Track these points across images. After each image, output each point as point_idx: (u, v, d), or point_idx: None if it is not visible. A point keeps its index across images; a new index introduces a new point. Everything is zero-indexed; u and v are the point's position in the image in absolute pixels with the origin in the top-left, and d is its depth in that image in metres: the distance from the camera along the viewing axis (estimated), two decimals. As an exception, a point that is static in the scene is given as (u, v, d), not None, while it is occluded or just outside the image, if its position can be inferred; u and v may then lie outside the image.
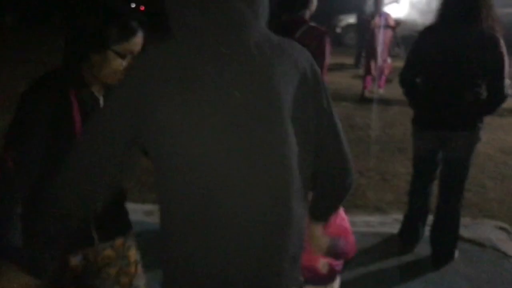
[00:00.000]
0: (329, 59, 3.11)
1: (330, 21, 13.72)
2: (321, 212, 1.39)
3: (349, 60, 10.37)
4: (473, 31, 2.56)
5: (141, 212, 3.59)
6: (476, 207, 3.81)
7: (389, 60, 7.86)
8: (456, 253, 3.02)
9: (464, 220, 3.18)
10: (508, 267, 3.03)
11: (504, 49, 2.59)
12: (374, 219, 3.61)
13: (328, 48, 3.07)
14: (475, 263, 3.05)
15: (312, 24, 3.12)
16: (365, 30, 8.25)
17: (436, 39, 2.66)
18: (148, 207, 3.67)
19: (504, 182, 4.51)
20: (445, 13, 2.66)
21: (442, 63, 2.65)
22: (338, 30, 12.03)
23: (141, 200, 3.84)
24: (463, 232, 3.21)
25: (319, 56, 2.98)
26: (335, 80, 8.26)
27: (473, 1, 2.54)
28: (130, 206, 1.76)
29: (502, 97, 2.61)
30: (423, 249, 3.09)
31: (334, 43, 8.96)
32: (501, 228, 3.52)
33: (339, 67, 9.98)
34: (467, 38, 2.57)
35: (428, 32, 2.77)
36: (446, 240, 2.94)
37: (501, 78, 2.58)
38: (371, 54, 7.68)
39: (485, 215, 3.76)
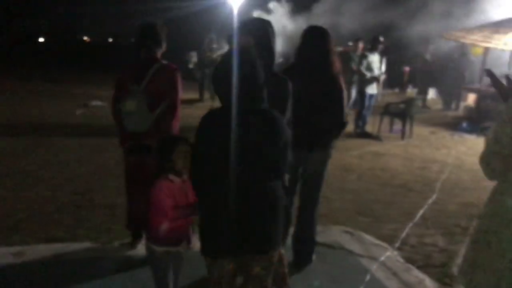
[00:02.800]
0: (181, 93, 3.47)
1: (183, 57, 14.26)
2: None
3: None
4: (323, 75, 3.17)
5: (9, 254, 3.49)
6: (324, 216, 4.45)
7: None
8: (314, 256, 3.54)
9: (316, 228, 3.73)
10: (353, 262, 3.66)
11: (343, 85, 3.24)
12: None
13: (179, 83, 3.42)
14: (328, 262, 3.60)
15: (164, 61, 3.45)
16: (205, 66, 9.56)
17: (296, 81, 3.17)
18: (16, 248, 3.57)
19: (344, 194, 5.30)
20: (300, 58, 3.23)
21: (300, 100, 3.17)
22: (190, 65, 12.57)
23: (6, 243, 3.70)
24: (317, 237, 3.77)
25: (171, 91, 3.33)
26: (190, 113, 8.66)
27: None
28: None
29: (343, 124, 3.25)
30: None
31: (188, 78, 9.51)
32: (346, 232, 4.19)
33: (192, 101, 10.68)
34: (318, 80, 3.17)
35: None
36: (306, 246, 3.44)
37: (342, 109, 3.22)
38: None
39: (332, 222, 4.41)
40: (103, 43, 45.35)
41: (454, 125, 10.06)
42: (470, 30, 10.65)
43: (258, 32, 2.62)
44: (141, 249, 3.61)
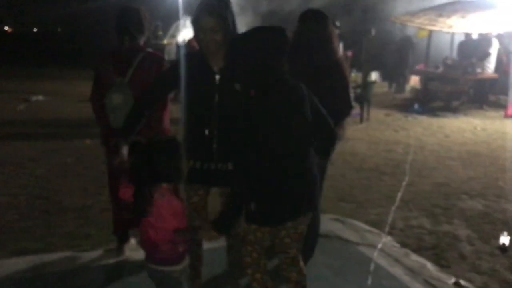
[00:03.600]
0: None
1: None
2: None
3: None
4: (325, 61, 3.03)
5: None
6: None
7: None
8: (313, 249, 3.41)
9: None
10: (352, 251, 3.58)
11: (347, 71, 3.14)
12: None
13: None
14: (328, 253, 3.50)
15: (149, 50, 3.16)
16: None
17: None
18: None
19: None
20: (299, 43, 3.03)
21: None
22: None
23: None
24: (311, 228, 3.65)
25: None
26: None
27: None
28: None
29: (350, 107, 3.18)
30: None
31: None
32: (336, 220, 4.11)
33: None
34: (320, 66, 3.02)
35: None
36: (310, 241, 3.30)
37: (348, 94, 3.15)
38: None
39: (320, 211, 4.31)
40: (27, 33, 42.49)
41: (405, 107, 10.31)
42: (416, 13, 10.95)
43: (224, 12, 2.44)
44: (130, 254, 3.34)
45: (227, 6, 2.45)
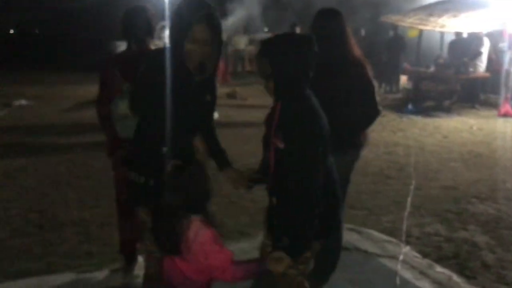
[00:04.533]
0: None
1: (108, 47, 13.22)
2: None
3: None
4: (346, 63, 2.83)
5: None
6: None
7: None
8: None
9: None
10: (374, 264, 3.39)
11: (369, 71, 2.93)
12: (247, 245, 3.57)
13: None
14: (350, 266, 3.30)
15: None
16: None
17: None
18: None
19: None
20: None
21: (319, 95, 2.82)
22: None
23: None
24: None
25: None
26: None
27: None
28: None
29: (377, 112, 2.96)
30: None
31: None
32: (351, 230, 3.91)
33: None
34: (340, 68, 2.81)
35: None
36: (334, 255, 3.10)
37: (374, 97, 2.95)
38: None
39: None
40: (4, 34, 41.33)
41: (398, 107, 10.21)
42: (406, 13, 10.90)
43: (221, 24, 2.27)
44: (138, 274, 3.08)
45: (219, 16, 2.25)
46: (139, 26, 2.80)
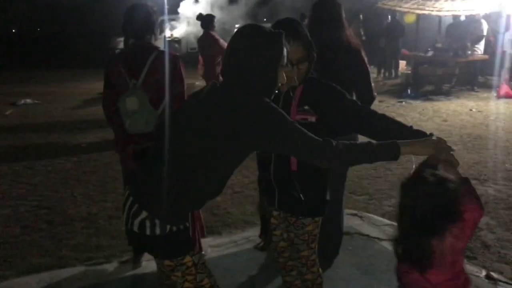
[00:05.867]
0: (186, 85, 3.03)
1: (109, 43, 13.24)
2: None
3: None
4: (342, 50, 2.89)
5: None
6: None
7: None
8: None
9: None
10: (377, 248, 3.47)
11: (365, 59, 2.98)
12: (252, 233, 3.67)
13: (183, 72, 2.99)
14: (353, 251, 3.40)
15: (162, 49, 2.99)
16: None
17: None
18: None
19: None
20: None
21: None
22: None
23: None
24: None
25: (177, 81, 2.89)
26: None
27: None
28: None
29: (371, 99, 2.99)
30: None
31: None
32: (353, 215, 4.01)
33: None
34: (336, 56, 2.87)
35: None
36: (335, 239, 3.19)
37: (370, 84, 3.00)
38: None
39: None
40: (6, 34, 41.03)
41: (397, 93, 10.26)
42: (403, -2, 10.89)
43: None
44: (146, 265, 3.19)
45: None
46: (138, 23, 2.86)
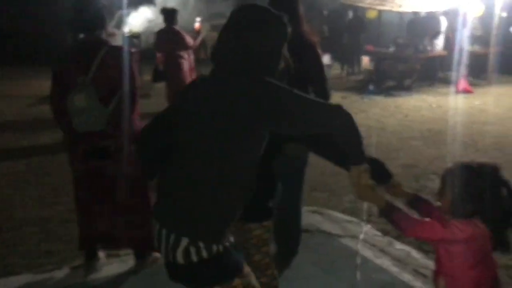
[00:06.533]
0: (139, 80, 2.92)
1: (66, 40, 12.81)
2: None
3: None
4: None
5: None
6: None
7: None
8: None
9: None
10: (337, 244, 3.45)
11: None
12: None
13: (136, 69, 2.88)
14: (312, 248, 3.35)
15: (112, 44, 2.87)
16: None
17: None
18: None
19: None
20: None
21: None
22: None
23: None
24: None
25: (127, 78, 2.77)
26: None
27: None
28: None
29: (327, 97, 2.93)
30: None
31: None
32: (314, 212, 3.97)
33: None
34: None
35: None
36: (293, 238, 3.13)
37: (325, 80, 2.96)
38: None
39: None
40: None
41: (360, 89, 10.34)
42: (365, -6, 10.99)
43: None
44: (104, 269, 3.05)
45: None
46: (88, 17, 2.73)
